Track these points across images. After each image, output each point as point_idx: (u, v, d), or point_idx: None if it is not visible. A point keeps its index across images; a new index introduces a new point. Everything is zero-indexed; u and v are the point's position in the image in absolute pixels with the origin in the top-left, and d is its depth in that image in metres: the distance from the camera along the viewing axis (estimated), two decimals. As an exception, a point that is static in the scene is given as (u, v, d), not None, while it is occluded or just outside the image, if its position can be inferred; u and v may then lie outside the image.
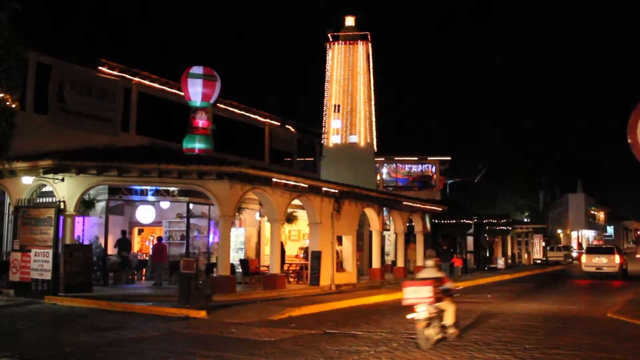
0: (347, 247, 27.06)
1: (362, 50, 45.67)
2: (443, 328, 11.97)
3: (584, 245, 78.69)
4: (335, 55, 45.82)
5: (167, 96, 24.50)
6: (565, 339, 12.69)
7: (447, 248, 32.18)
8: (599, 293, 25.28)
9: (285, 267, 25.20)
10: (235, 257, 23.89)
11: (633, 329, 14.58)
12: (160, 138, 23.86)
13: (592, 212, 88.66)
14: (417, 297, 11.40)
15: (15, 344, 11.50)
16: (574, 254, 61.36)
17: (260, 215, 25.36)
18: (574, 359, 10.76)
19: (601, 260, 35.04)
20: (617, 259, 34.75)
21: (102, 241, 21.72)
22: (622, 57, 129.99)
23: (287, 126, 31.39)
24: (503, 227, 50.24)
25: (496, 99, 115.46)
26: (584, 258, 36.53)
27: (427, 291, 11.29)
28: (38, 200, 20.06)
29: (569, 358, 10.84)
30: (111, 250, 22.17)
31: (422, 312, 11.34)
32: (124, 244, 22.36)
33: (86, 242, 21.33)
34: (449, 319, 12.02)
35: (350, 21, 47.15)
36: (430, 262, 12.48)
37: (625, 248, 76.16)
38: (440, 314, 11.83)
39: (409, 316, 11.81)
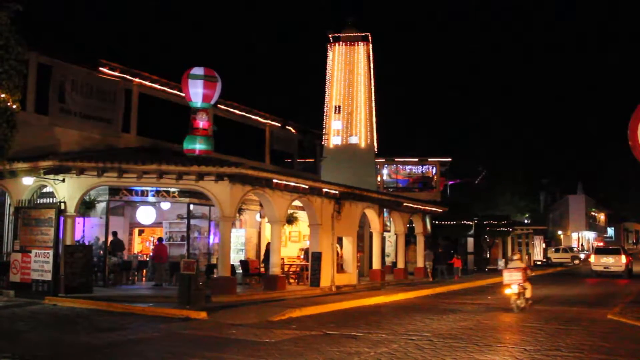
0: (348, 248, 27.04)
1: (362, 51, 45.71)
2: (526, 300, 17.60)
3: (586, 247, 78.66)
4: (336, 56, 45.86)
5: (167, 97, 24.51)
6: (565, 341, 12.67)
7: (442, 251, 32.42)
8: (602, 295, 25.24)
9: (286, 268, 25.18)
10: (235, 258, 23.88)
11: (633, 331, 14.57)
12: (160, 139, 23.87)
13: (593, 213, 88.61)
14: (512, 279, 17.47)
15: (15, 345, 11.49)
16: (582, 256, 61.01)
17: (260, 216, 25.35)
18: (575, 361, 10.81)
19: (609, 260, 36.90)
20: (623, 259, 36.54)
21: (102, 242, 21.74)
22: (623, 59, 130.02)
23: (287, 127, 31.39)
24: (503, 229, 50.22)
25: (497, 100, 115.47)
26: (592, 258, 38.52)
27: (518, 275, 17.37)
28: (38, 201, 20.06)
29: None
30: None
31: (514, 289, 17.39)
32: (116, 244, 22.31)
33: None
34: (528, 294, 17.75)
35: (351, 22, 47.15)
36: (515, 257, 18.67)
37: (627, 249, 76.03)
38: (524, 291, 17.49)
39: (505, 291, 17.66)
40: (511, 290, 17.51)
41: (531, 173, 75.87)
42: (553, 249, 61.93)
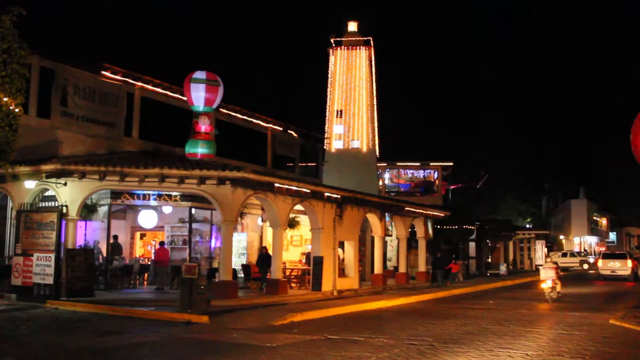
0: (349, 252, 27.02)
1: (364, 56, 45.76)
2: (557, 293, 22.49)
3: (588, 252, 78.54)
4: (338, 61, 45.90)
5: (169, 101, 24.54)
6: (567, 346, 12.65)
7: (441, 256, 32.66)
8: (611, 294, 25.23)
9: (288, 273, 25.15)
10: (237, 262, 23.86)
11: (636, 336, 14.53)
12: (162, 143, 23.88)
13: (595, 218, 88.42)
14: (547, 275, 22.34)
15: (17, 348, 11.49)
16: (591, 260, 60.85)
17: (262, 221, 25.34)
18: (577, 366, 10.83)
19: (615, 264, 39.24)
20: (629, 263, 38.90)
21: (103, 245, 21.72)
22: (628, 62, 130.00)
23: (289, 131, 31.40)
24: (505, 233, 50.19)
25: (499, 105, 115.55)
26: (600, 262, 40.68)
27: (552, 273, 22.30)
28: (40, 205, 20.06)
29: (572, 365, 10.88)
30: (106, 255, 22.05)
31: (549, 283, 22.25)
32: (114, 248, 22.26)
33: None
34: (559, 288, 22.73)
35: (352, 26, 47.21)
36: (548, 259, 24.91)
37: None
38: (555, 285, 22.38)
39: (541, 285, 22.61)
40: (546, 285, 22.40)
41: (533, 177, 75.95)
42: (560, 254, 61.55)
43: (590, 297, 25.50)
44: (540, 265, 23.15)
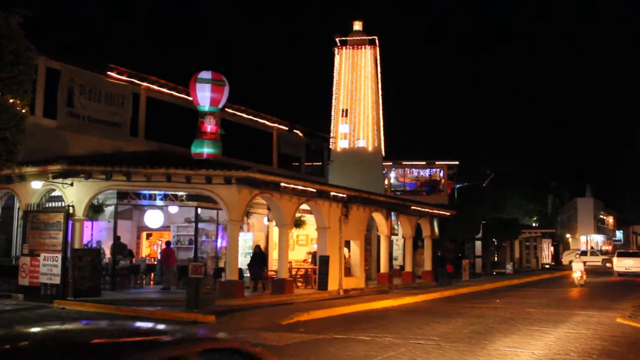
0: (355, 251, 27.01)
1: (369, 55, 45.64)
2: (584, 281, 31.06)
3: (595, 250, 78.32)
4: (343, 60, 45.79)
5: (175, 101, 24.57)
6: (575, 344, 12.62)
7: (441, 255, 32.93)
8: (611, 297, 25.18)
9: (294, 272, 25.14)
10: (243, 261, 23.87)
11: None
12: (168, 143, 23.92)
13: (601, 216, 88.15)
14: (577, 268, 31.58)
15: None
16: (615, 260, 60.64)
17: (268, 220, 25.34)
18: (584, 365, 10.84)
19: (629, 262, 43.10)
20: None
21: (106, 246, 21.73)
22: (633, 60, 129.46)
23: (295, 131, 31.41)
24: (511, 232, 50.06)
25: (505, 103, 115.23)
26: (615, 260, 44.68)
27: (581, 266, 31.75)
28: (47, 205, 20.11)
29: (579, 364, 10.89)
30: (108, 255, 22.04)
31: (578, 273, 31.33)
32: (118, 248, 22.26)
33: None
34: (585, 278, 31.41)
35: (358, 26, 47.07)
36: (577, 256, 35.79)
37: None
38: (583, 275, 31.22)
39: (573, 274, 32.03)
40: (576, 275, 31.17)
41: (539, 176, 75.69)
42: (579, 252, 60.64)
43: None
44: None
